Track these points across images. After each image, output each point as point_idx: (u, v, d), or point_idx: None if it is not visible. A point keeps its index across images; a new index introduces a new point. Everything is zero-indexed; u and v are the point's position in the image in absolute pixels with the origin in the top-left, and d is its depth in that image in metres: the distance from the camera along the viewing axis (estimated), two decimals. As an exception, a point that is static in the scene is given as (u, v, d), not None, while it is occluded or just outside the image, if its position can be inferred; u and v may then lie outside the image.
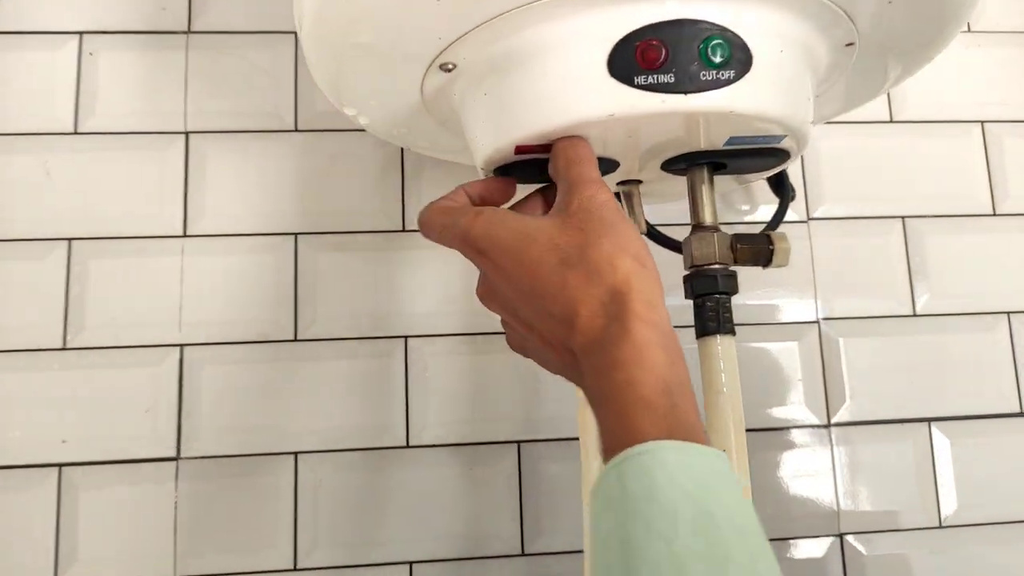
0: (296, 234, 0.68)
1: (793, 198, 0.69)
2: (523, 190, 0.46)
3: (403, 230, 0.69)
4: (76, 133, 0.68)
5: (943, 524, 0.69)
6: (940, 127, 0.75)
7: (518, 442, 0.67)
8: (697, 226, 0.48)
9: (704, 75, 0.39)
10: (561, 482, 0.66)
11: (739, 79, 0.40)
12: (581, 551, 0.63)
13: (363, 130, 0.69)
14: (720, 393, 0.45)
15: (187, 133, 0.68)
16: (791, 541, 0.68)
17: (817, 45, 0.44)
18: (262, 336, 0.66)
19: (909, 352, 0.72)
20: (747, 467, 0.45)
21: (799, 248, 0.72)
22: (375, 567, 0.64)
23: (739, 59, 0.40)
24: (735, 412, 0.45)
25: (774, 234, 0.48)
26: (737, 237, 0.47)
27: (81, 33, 0.69)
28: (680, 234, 0.51)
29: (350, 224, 0.68)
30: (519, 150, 0.43)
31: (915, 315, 0.72)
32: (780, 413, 0.69)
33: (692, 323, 0.47)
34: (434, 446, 0.66)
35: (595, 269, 0.35)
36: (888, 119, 0.75)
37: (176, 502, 0.63)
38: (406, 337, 0.67)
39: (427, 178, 0.70)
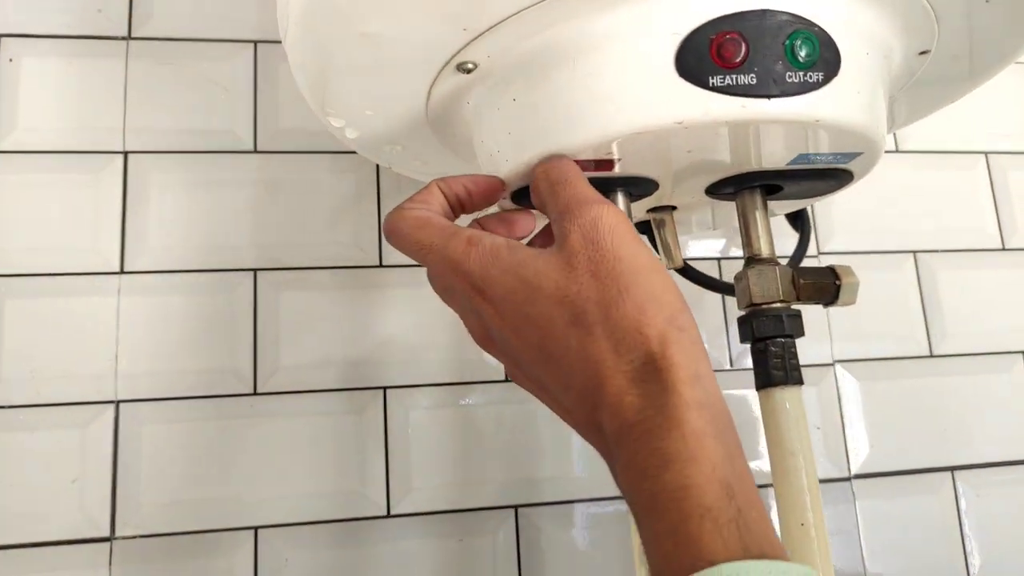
0: (255, 270, 0.59)
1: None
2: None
3: (380, 265, 0.60)
4: (-10, 151, 0.57)
5: (974, 584, 0.63)
6: (945, 158, 0.72)
7: (515, 507, 0.58)
8: (753, 259, 0.41)
9: (790, 76, 0.33)
10: (566, 552, 0.58)
11: (827, 83, 0.33)
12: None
13: (333, 152, 0.61)
14: (793, 455, 0.38)
15: (126, 153, 0.59)
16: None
17: (895, 50, 0.38)
18: (214, 390, 0.56)
19: (927, 395, 0.67)
20: (828, 545, 0.37)
21: (810, 284, 0.66)
22: (351, 662, 0.54)
23: (827, 59, 0.33)
24: (810, 477, 0.38)
25: (839, 267, 0.41)
26: (798, 271, 0.41)
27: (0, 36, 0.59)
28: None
29: (318, 259, 0.60)
30: (556, 166, 0.36)
31: (931, 356, 0.67)
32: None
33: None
34: (419, 514, 0.57)
35: (620, 336, 0.28)
36: (894, 148, 0.71)
37: (108, 593, 0.52)
38: (384, 388, 0.58)
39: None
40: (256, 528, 0.55)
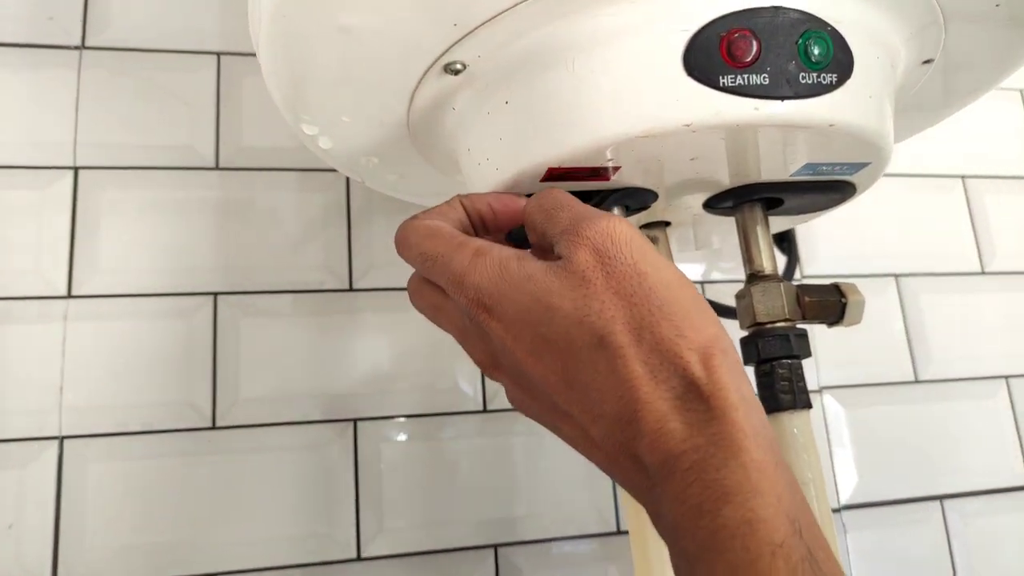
0: (215, 294, 0.55)
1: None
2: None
3: (350, 289, 0.57)
4: (-75, 165, 0.53)
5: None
6: (923, 181, 0.71)
7: (495, 546, 0.55)
8: (755, 275, 0.39)
9: (804, 77, 0.31)
10: (549, 594, 0.55)
11: (840, 85, 0.31)
12: None
13: (301, 169, 0.58)
14: (804, 484, 0.35)
15: (76, 168, 0.55)
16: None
17: (901, 57, 0.36)
18: (169, 424, 0.52)
19: (914, 422, 0.65)
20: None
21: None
22: None
23: (839, 60, 0.32)
24: (823, 507, 0.35)
25: (843, 284, 0.39)
26: (802, 289, 0.39)
27: (-62, 43, 0.55)
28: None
29: (283, 282, 0.56)
30: (552, 173, 0.33)
31: (917, 381, 0.66)
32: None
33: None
34: (392, 556, 0.53)
35: (658, 360, 0.25)
36: (873, 171, 0.70)
37: (46, 651, 0.47)
38: (355, 420, 0.55)
39: (379, 226, 0.59)
40: (215, 575, 0.50)
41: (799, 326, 0.38)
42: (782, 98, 0.30)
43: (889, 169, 0.72)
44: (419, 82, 0.35)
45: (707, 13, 0.30)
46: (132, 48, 0.57)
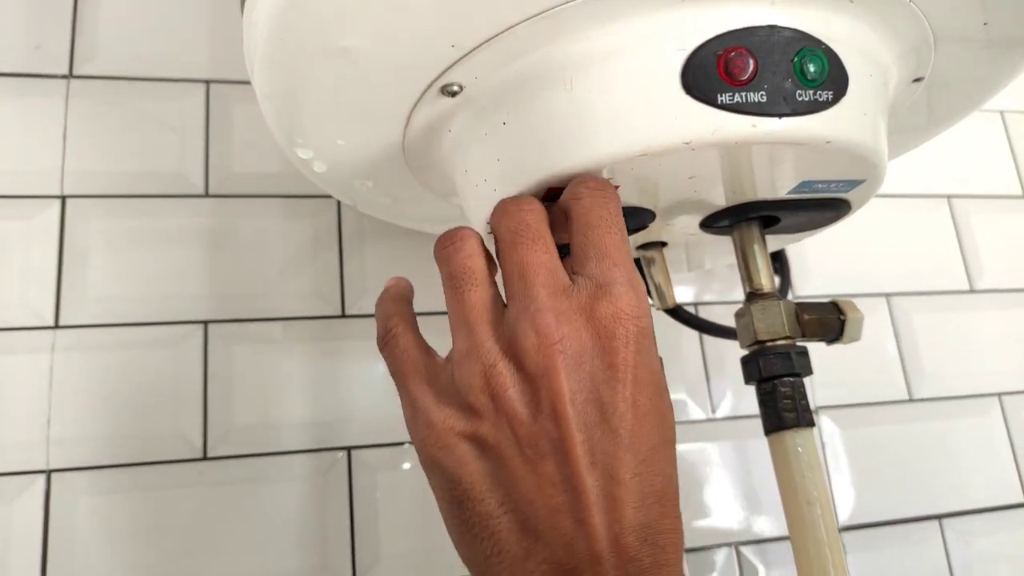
0: (206, 322, 0.54)
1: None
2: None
3: (342, 315, 0.56)
4: (-91, 196, 0.52)
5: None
6: (911, 202, 0.72)
7: None
8: (755, 294, 0.39)
9: (800, 95, 0.31)
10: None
11: (836, 102, 0.32)
12: None
13: (292, 196, 0.58)
14: (810, 504, 0.35)
15: (63, 197, 0.54)
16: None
17: (893, 75, 0.37)
18: (160, 455, 0.51)
19: (909, 440, 0.65)
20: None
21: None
22: None
23: (835, 78, 0.32)
24: (829, 528, 0.35)
25: (841, 302, 0.39)
26: (801, 306, 0.39)
27: (-77, 73, 0.55)
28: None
29: (275, 309, 0.55)
30: (551, 193, 0.33)
31: (911, 400, 0.66)
32: (780, 524, 0.60)
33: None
34: (388, 588, 0.52)
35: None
36: (860, 192, 0.71)
37: None
38: (349, 449, 0.54)
39: (371, 253, 0.58)
40: (206, 610, 0.49)
41: (799, 344, 0.38)
42: (779, 115, 0.31)
43: (879, 190, 0.73)
44: (415, 104, 0.35)
45: (704, 32, 0.31)
46: (120, 77, 0.57)
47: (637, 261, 0.43)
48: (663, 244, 0.43)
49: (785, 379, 0.36)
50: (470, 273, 0.30)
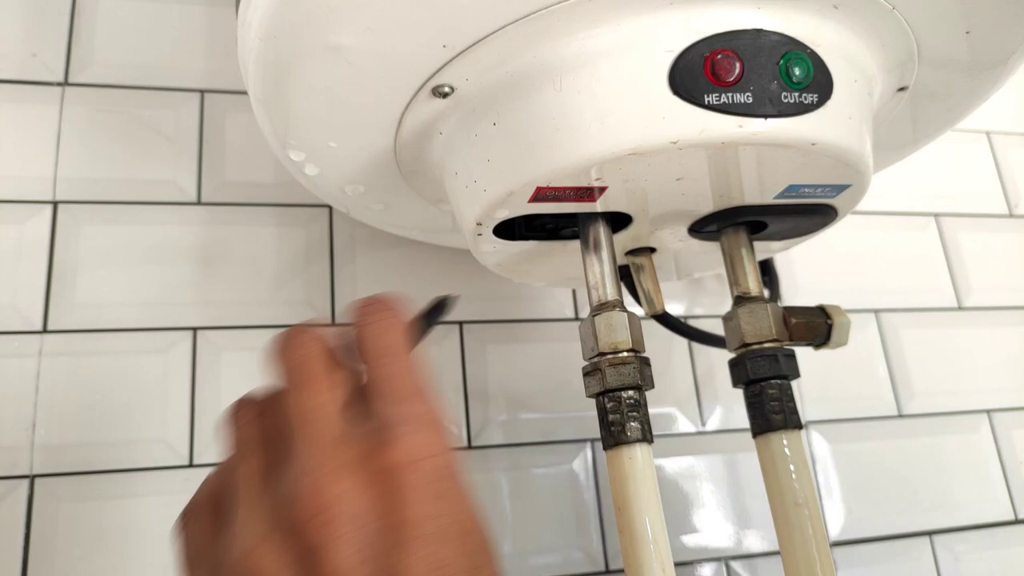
0: (195, 329, 0.54)
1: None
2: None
3: (332, 324, 0.56)
4: (-100, 199, 0.52)
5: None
6: (898, 219, 0.73)
7: (481, 586, 0.53)
8: (742, 297, 0.39)
9: (786, 96, 0.31)
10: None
11: (821, 105, 0.32)
12: None
13: (283, 204, 0.58)
14: (798, 505, 0.35)
15: (56, 203, 0.54)
16: None
17: (877, 83, 0.37)
18: (146, 462, 0.50)
19: (899, 457, 0.65)
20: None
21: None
22: None
23: (820, 81, 0.32)
24: (817, 530, 0.35)
25: (828, 306, 0.40)
26: (788, 310, 0.39)
27: (-81, 78, 0.55)
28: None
29: (265, 317, 0.55)
30: (540, 193, 0.34)
31: (900, 416, 0.66)
32: (770, 539, 0.60)
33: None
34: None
35: None
36: (849, 209, 0.72)
37: None
38: (337, 457, 0.53)
39: (362, 262, 0.58)
40: (189, 619, 0.48)
41: (786, 347, 0.38)
42: (765, 116, 0.31)
43: (866, 207, 0.74)
44: (407, 106, 0.36)
45: (691, 35, 0.31)
46: (115, 85, 0.57)
47: (626, 267, 0.44)
48: (652, 250, 0.43)
49: (772, 381, 0.37)
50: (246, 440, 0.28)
